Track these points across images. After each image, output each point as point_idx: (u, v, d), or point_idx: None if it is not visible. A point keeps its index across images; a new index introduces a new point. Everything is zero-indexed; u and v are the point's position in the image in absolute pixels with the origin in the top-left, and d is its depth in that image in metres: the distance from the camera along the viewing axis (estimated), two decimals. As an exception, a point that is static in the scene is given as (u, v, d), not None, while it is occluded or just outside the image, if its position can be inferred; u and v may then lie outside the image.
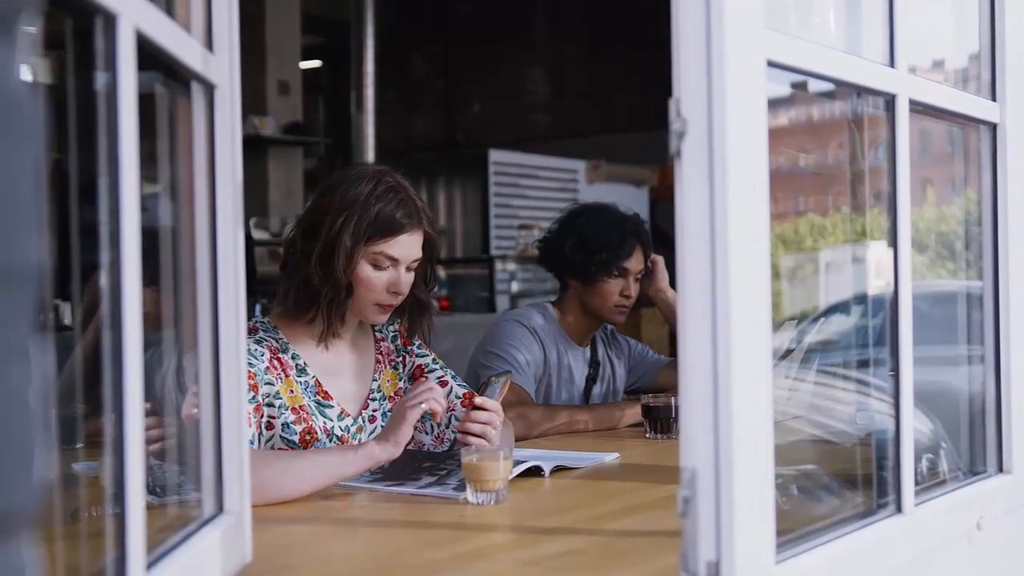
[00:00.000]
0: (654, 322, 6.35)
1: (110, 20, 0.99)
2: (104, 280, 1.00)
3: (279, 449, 2.15)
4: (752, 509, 1.18)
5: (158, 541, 1.17)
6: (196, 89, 1.33)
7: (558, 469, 2.19)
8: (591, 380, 3.13)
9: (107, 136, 1.00)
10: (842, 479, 1.71)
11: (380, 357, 2.39)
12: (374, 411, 2.33)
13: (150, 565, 1.08)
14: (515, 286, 7.51)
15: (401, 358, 2.42)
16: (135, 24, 1.02)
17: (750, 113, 1.20)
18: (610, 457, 2.36)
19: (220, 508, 1.37)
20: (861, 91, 1.55)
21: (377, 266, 2.20)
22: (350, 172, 2.26)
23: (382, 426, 2.29)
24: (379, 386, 2.36)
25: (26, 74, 0.61)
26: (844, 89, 1.60)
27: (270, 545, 1.57)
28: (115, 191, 0.99)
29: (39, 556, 0.61)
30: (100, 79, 1.00)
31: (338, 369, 2.30)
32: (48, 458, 0.60)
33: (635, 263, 3.01)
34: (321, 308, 2.20)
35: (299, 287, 2.21)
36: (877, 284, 1.86)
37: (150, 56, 1.10)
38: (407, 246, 2.21)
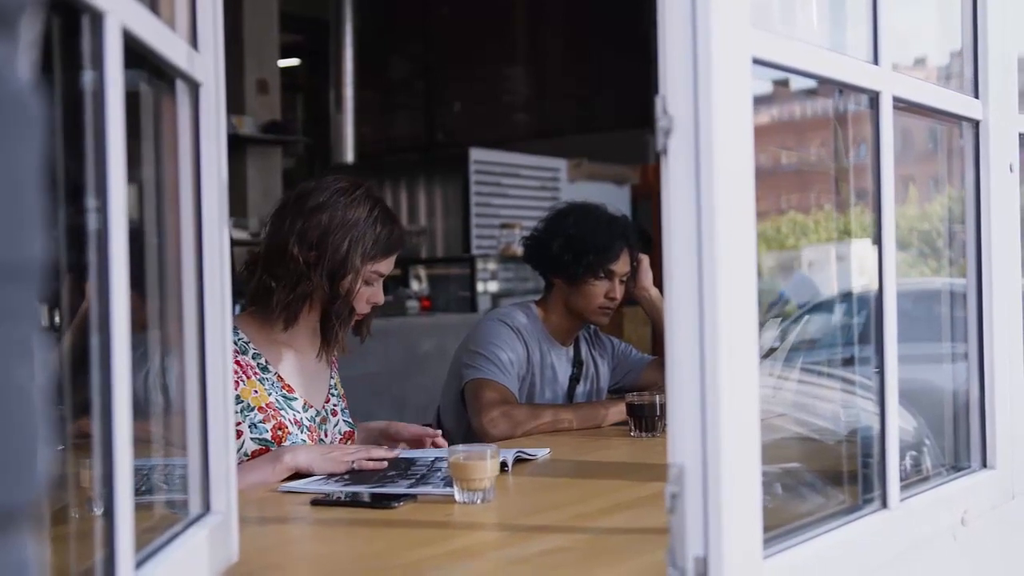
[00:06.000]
0: (636, 321, 6.36)
1: (97, 18, 0.98)
2: (91, 281, 0.99)
3: (252, 453, 2.17)
4: (740, 504, 1.19)
5: (144, 541, 1.16)
6: (181, 87, 1.32)
7: (519, 460, 2.24)
8: (575, 379, 3.13)
9: (94, 134, 0.99)
10: (827, 475, 1.72)
11: (333, 358, 2.48)
12: (334, 405, 2.43)
13: (138, 564, 1.07)
14: (497, 285, 7.49)
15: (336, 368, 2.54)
16: (122, 22, 1.01)
17: (736, 110, 1.20)
18: (541, 453, 2.36)
19: (207, 508, 1.36)
20: (846, 88, 1.56)
21: (368, 282, 2.29)
22: (333, 186, 2.29)
23: (344, 420, 2.43)
24: (335, 384, 2.46)
25: (28, 72, 0.61)
26: (826, 87, 1.60)
27: (256, 545, 1.57)
28: (103, 190, 0.99)
29: (42, 552, 0.61)
30: (86, 77, 1.00)
31: (300, 366, 2.36)
32: (51, 454, 0.60)
33: (622, 266, 3.01)
34: (333, 324, 2.28)
35: (302, 300, 2.26)
36: (860, 282, 1.87)
37: (134, 54, 1.09)
38: (393, 262, 2.34)
